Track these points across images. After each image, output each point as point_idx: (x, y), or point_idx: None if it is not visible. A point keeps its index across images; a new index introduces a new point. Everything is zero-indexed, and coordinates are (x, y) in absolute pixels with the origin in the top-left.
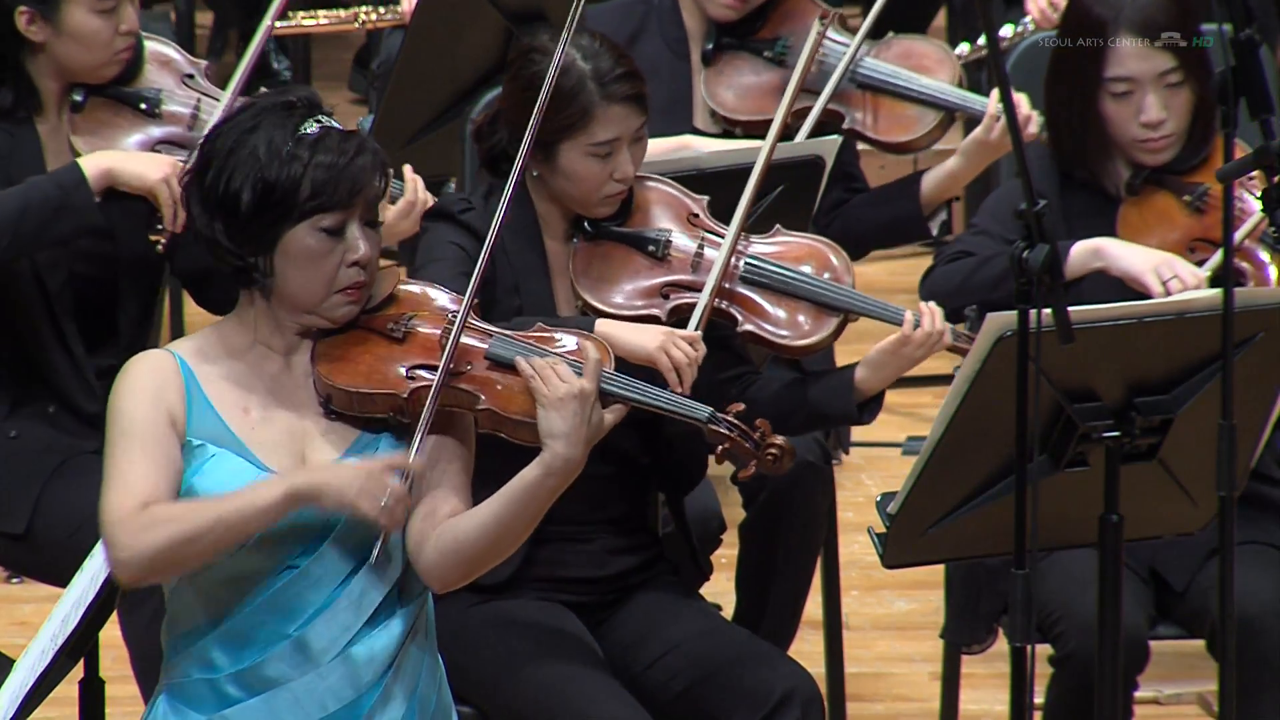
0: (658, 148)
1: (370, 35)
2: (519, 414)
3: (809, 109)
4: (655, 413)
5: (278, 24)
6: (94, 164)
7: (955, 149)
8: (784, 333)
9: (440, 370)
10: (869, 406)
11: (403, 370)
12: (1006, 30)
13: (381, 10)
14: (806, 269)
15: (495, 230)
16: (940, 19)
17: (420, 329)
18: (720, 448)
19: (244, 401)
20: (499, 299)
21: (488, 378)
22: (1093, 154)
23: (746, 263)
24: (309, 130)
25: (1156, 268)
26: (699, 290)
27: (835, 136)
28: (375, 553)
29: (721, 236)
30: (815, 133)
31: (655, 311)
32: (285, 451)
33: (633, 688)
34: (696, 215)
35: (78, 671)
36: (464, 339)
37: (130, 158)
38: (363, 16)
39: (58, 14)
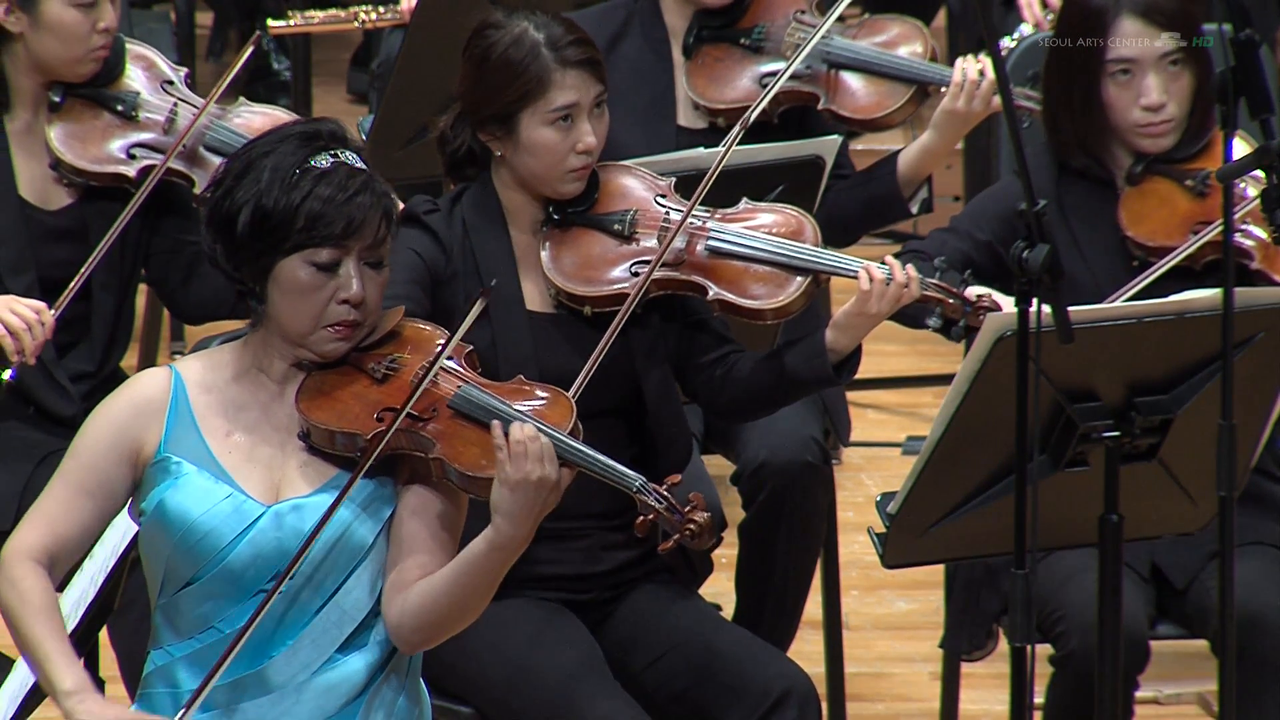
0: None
1: (369, 35)
2: (468, 468)
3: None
4: (593, 477)
5: (278, 24)
6: None
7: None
8: (753, 297)
9: (396, 415)
10: (846, 367)
11: (372, 411)
12: (1006, 43)
13: (381, 10)
14: (771, 234)
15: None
16: (940, 19)
17: (401, 371)
18: (644, 518)
19: (230, 425)
20: (466, 295)
21: (447, 427)
22: (1093, 143)
23: (711, 233)
24: (319, 163)
25: None
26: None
27: (835, 136)
28: None
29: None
30: (790, 116)
31: (626, 288)
32: (261, 478)
33: (632, 686)
34: (664, 195)
35: None
36: (437, 386)
37: None
38: (362, 16)
39: (36, 5)
